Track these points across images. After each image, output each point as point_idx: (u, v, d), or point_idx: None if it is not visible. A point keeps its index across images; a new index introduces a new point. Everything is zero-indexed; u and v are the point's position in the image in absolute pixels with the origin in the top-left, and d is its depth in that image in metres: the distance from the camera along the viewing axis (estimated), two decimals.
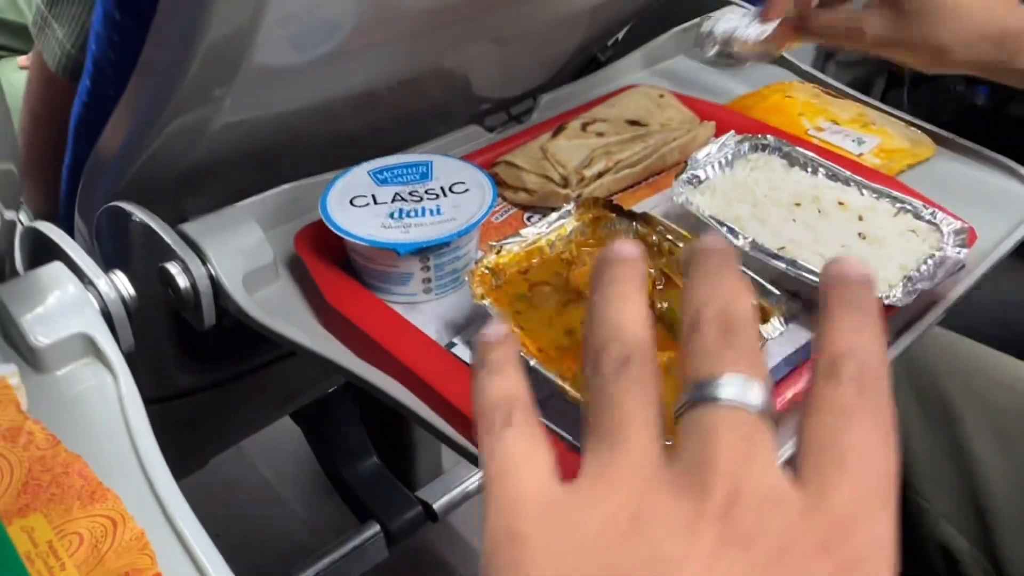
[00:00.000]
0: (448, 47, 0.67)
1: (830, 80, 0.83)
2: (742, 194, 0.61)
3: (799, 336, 0.53)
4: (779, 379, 0.50)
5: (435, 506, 1.04)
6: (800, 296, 0.55)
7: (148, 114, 0.52)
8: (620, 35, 0.97)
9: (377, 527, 1.01)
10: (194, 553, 0.39)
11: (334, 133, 0.65)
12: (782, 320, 0.49)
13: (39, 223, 0.52)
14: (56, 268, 0.49)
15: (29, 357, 0.47)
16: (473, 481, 1.10)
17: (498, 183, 0.64)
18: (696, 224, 0.57)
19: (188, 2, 0.44)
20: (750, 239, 0.55)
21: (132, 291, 0.51)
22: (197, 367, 0.71)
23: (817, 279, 0.51)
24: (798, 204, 0.60)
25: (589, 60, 0.92)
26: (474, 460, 0.46)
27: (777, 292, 0.50)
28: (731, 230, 0.56)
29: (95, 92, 0.57)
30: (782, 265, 0.54)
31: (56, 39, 0.65)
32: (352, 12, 0.54)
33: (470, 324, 0.53)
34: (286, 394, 0.97)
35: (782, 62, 0.86)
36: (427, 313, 0.54)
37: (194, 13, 0.44)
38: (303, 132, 0.62)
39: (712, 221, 0.57)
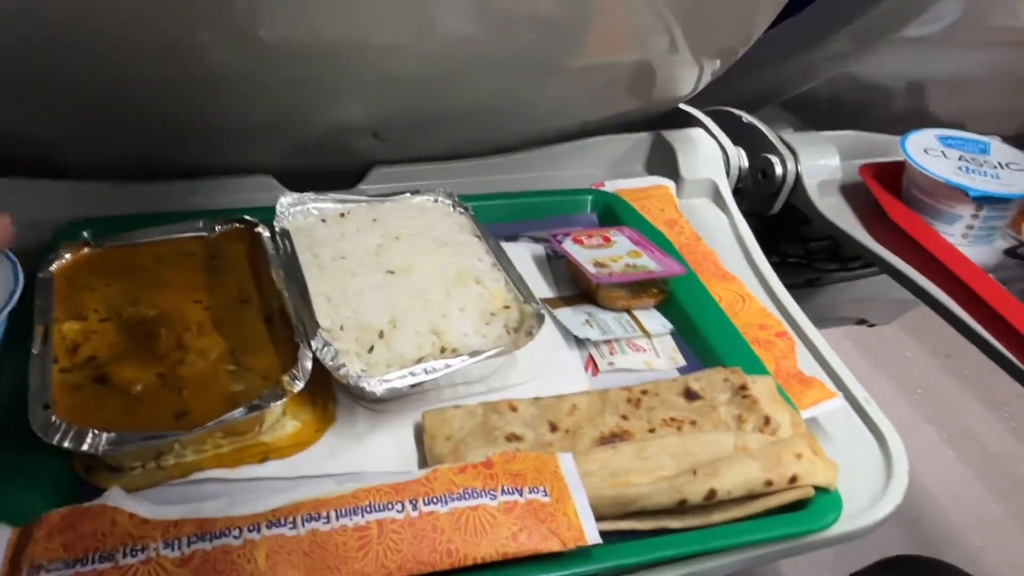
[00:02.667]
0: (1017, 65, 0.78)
1: None
2: None
3: None
4: None
5: None
6: None
7: (790, 50, 0.70)
8: None
9: None
10: (797, 322, 0.54)
11: (896, 106, 0.79)
12: None
13: (686, 106, 0.71)
14: (703, 133, 0.68)
15: (677, 183, 0.65)
16: None
17: None
18: None
19: None
20: None
21: (747, 163, 0.67)
22: None
23: None
24: None
25: None
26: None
27: None
28: None
29: None
30: None
31: None
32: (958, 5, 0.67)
33: (995, 270, 0.64)
34: None
35: None
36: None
37: None
38: (877, 95, 0.76)
39: None
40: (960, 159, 0.67)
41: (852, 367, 0.51)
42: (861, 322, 1.21)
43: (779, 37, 0.71)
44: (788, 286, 0.85)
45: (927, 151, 0.67)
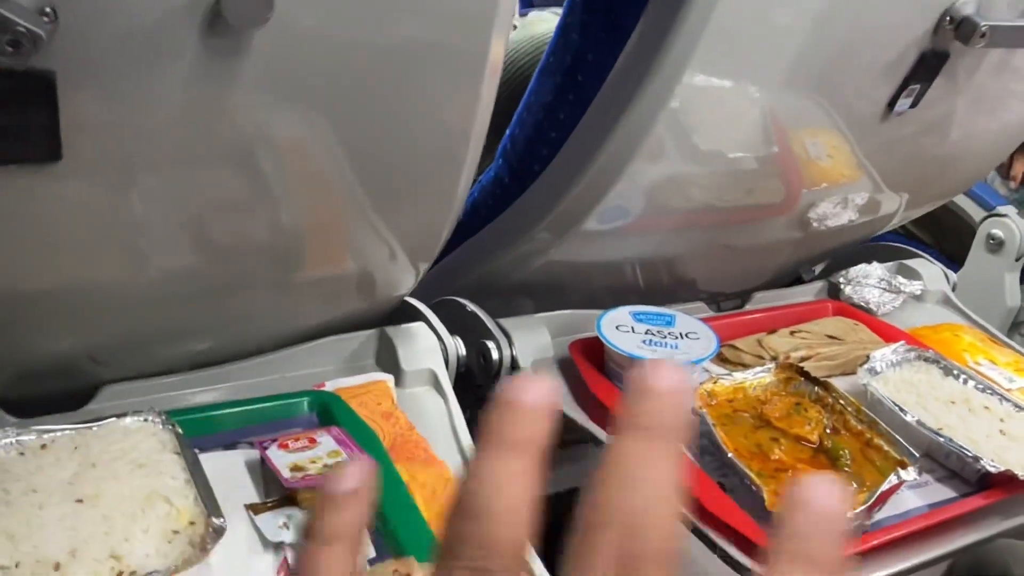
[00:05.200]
0: (696, 243, 0.91)
1: (998, 333, 0.99)
2: (908, 387, 0.78)
3: (942, 492, 0.69)
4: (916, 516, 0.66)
5: None
6: (946, 466, 0.71)
7: (498, 247, 0.80)
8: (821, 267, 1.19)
9: None
10: None
11: (600, 282, 0.90)
12: (918, 471, 0.65)
13: (412, 299, 0.79)
14: (423, 326, 0.75)
15: (397, 376, 0.72)
16: None
17: (721, 359, 0.86)
18: (872, 402, 0.75)
19: (560, 186, 0.71)
20: (916, 417, 0.72)
21: (464, 351, 0.75)
22: None
23: (969, 452, 0.67)
24: (952, 402, 0.76)
25: (795, 278, 1.14)
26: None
27: (916, 454, 0.66)
28: (900, 408, 0.73)
29: (463, 224, 0.86)
30: (940, 439, 0.70)
31: None
32: (639, 204, 0.80)
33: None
34: None
35: (964, 313, 1.04)
36: None
37: (559, 197, 0.71)
38: (583, 276, 0.87)
39: (887, 399, 0.75)
40: (647, 332, 0.77)
41: None
42: None
43: (487, 237, 0.82)
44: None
45: (619, 327, 0.78)
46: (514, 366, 0.77)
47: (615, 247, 0.85)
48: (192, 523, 0.50)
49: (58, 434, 0.56)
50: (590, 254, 0.84)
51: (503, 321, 0.79)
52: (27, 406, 0.63)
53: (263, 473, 0.60)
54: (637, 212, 0.82)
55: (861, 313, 0.97)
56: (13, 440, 0.55)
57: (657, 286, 0.94)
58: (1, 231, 0.50)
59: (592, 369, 0.77)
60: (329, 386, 0.69)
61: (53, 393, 0.65)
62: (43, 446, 0.55)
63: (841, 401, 0.73)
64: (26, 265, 0.54)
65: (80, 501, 0.50)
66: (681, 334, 0.78)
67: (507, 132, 0.81)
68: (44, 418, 0.60)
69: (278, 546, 0.54)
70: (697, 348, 0.76)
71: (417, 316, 0.77)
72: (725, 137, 0.80)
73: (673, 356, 0.74)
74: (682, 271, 0.94)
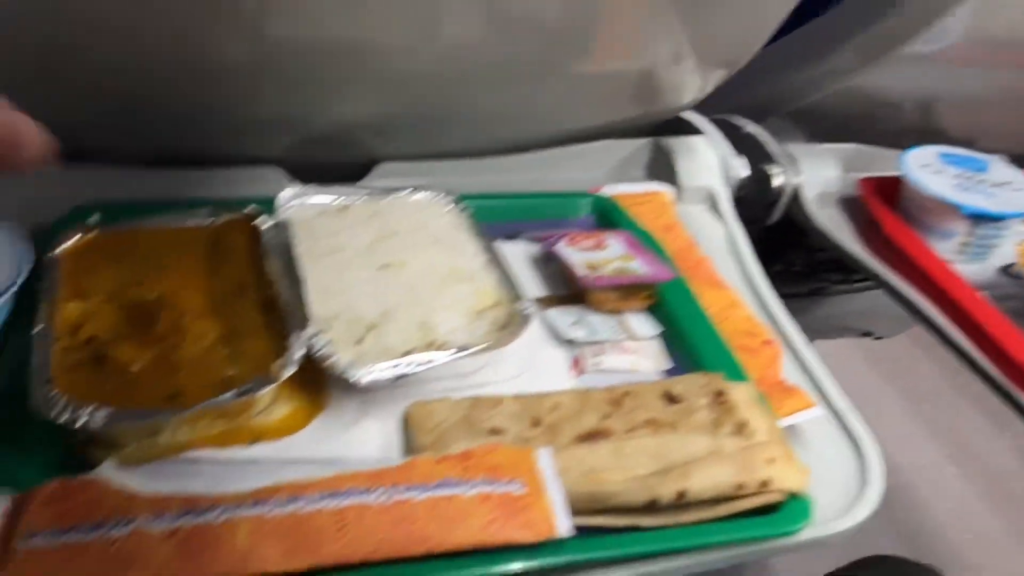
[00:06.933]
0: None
1: None
2: None
3: None
4: None
5: None
6: None
7: (793, 63, 0.71)
8: None
9: None
10: (785, 332, 0.55)
11: (893, 124, 0.80)
12: None
13: (691, 114, 0.72)
14: (704, 141, 0.68)
15: (676, 189, 0.66)
16: None
17: None
18: None
19: None
20: None
21: (748, 173, 0.68)
22: None
23: None
24: None
25: None
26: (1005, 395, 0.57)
27: None
28: None
29: None
30: None
31: None
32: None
33: (988, 288, 0.64)
34: None
35: None
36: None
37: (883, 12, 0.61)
38: (874, 112, 0.77)
39: None
40: (957, 177, 0.68)
41: (860, 380, 0.52)
42: (867, 334, 1.21)
43: (782, 49, 0.72)
44: (791, 296, 0.85)
45: (925, 167, 0.68)
46: (796, 196, 0.70)
47: (928, 79, 0.73)
48: (496, 305, 0.48)
49: (353, 199, 0.54)
50: (897, 85, 0.73)
51: (788, 147, 0.71)
52: (304, 172, 0.62)
53: (546, 269, 0.57)
54: (957, 34, 0.70)
55: None
56: (312, 200, 0.54)
57: (969, 133, 0.82)
58: None
59: (887, 210, 0.69)
60: (606, 191, 0.64)
61: (329, 163, 0.64)
62: (341, 209, 0.54)
63: None
64: (323, 17, 0.50)
65: (385, 267, 0.49)
66: (996, 182, 0.68)
67: None
68: (331, 185, 0.59)
69: (569, 343, 0.51)
70: (1016, 200, 0.66)
71: (691, 131, 0.71)
72: None
73: (988, 204, 0.65)
74: (997, 118, 0.82)
